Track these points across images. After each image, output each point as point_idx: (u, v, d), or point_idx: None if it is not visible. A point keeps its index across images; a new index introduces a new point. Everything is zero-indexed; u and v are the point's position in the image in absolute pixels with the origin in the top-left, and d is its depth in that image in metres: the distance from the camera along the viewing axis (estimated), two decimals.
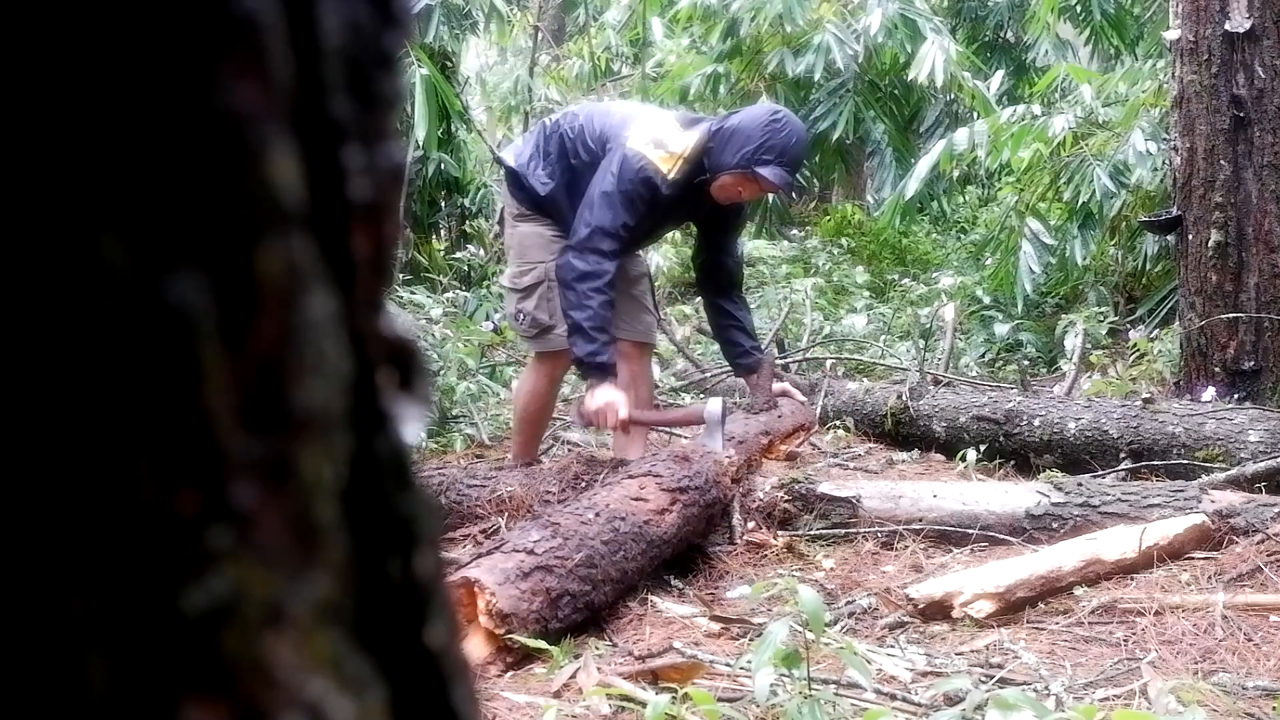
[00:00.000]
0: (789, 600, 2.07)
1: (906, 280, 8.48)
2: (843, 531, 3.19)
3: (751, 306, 7.27)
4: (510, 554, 2.40)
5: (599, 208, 3.37)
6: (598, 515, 2.65)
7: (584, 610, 2.44)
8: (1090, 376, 5.38)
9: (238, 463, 0.28)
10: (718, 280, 3.86)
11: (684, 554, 2.99)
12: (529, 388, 3.75)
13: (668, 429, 4.42)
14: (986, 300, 7.26)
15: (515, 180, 3.62)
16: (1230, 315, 4.47)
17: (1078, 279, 7.15)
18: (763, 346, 4.14)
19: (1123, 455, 3.82)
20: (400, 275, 6.58)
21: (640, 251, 3.99)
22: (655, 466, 3.02)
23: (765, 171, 3.41)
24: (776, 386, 3.95)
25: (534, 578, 2.35)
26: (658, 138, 3.47)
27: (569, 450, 4.46)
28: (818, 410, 4.54)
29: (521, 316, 3.63)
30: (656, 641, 2.44)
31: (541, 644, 2.21)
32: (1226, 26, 4.45)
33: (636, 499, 2.82)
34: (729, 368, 5.65)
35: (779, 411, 3.87)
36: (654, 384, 4.51)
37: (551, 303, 3.57)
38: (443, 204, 8.20)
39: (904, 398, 4.46)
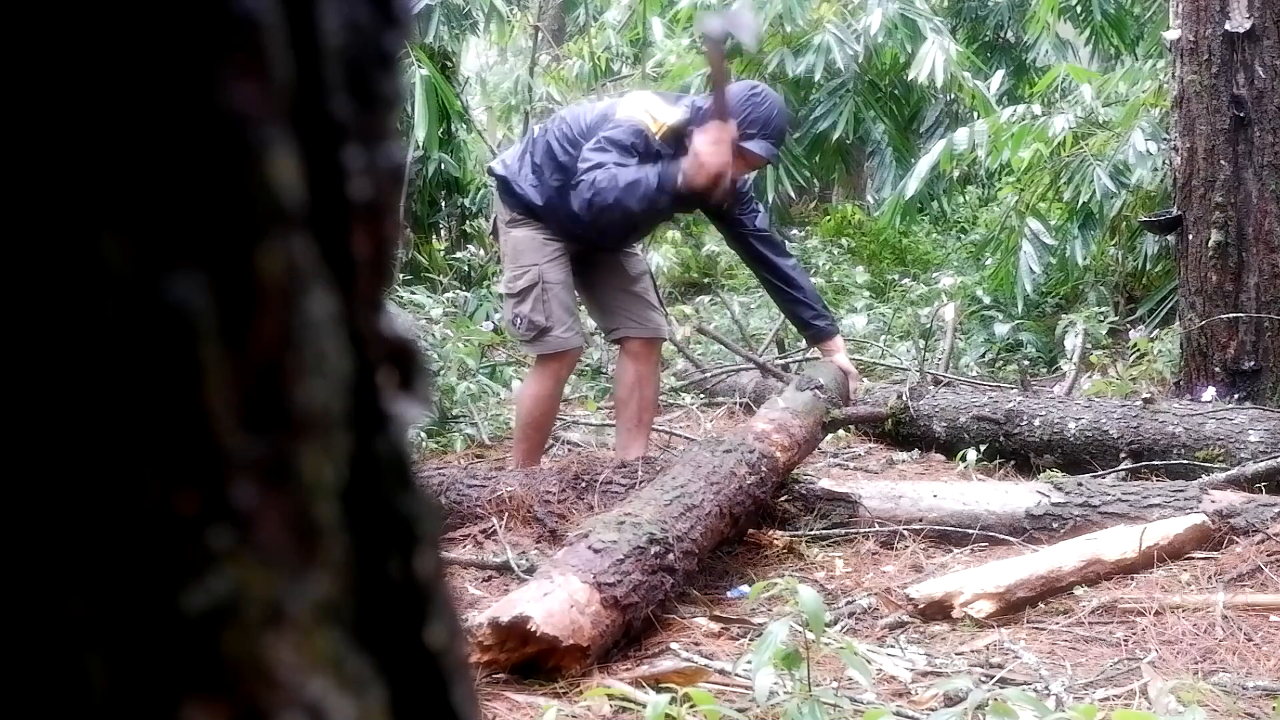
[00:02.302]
0: (789, 600, 2.07)
1: (906, 280, 8.47)
2: (843, 531, 3.19)
3: (752, 307, 7.32)
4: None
5: (593, 153, 3.40)
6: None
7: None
8: (1090, 376, 5.38)
9: (238, 463, 0.28)
10: (756, 252, 3.84)
11: None
12: (533, 391, 3.72)
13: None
14: (986, 300, 7.26)
15: (506, 187, 3.65)
16: (1230, 315, 4.46)
17: (1078, 279, 7.14)
18: (831, 317, 4.11)
19: (1123, 455, 3.82)
20: (400, 275, 6.58)
21: (639, 250, 3.99)
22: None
23: (751, 146, 3.43)
24: (838, 359, 3.91)
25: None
26: (646, 107, 3.54)
27: (569, 450, 4.46)
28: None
29: (519, 320, 3.62)
30: (656, 641, 2.44)
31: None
32: (1226, 26, 4.44)
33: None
34: (729, 367, 5.69)
35: (853, 408, 3.88)
36: (659, 385, 4.51)
37: (547, 304, 3.58)
38: (443, 204, 8.20)
39: (904, 398, 4.46)
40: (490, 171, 3.89)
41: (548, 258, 3.59)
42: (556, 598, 2.25)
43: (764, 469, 3.07)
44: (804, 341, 4.68)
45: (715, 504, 2.81)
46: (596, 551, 2.42)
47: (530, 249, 3.61)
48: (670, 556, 2.53)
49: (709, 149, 3.30)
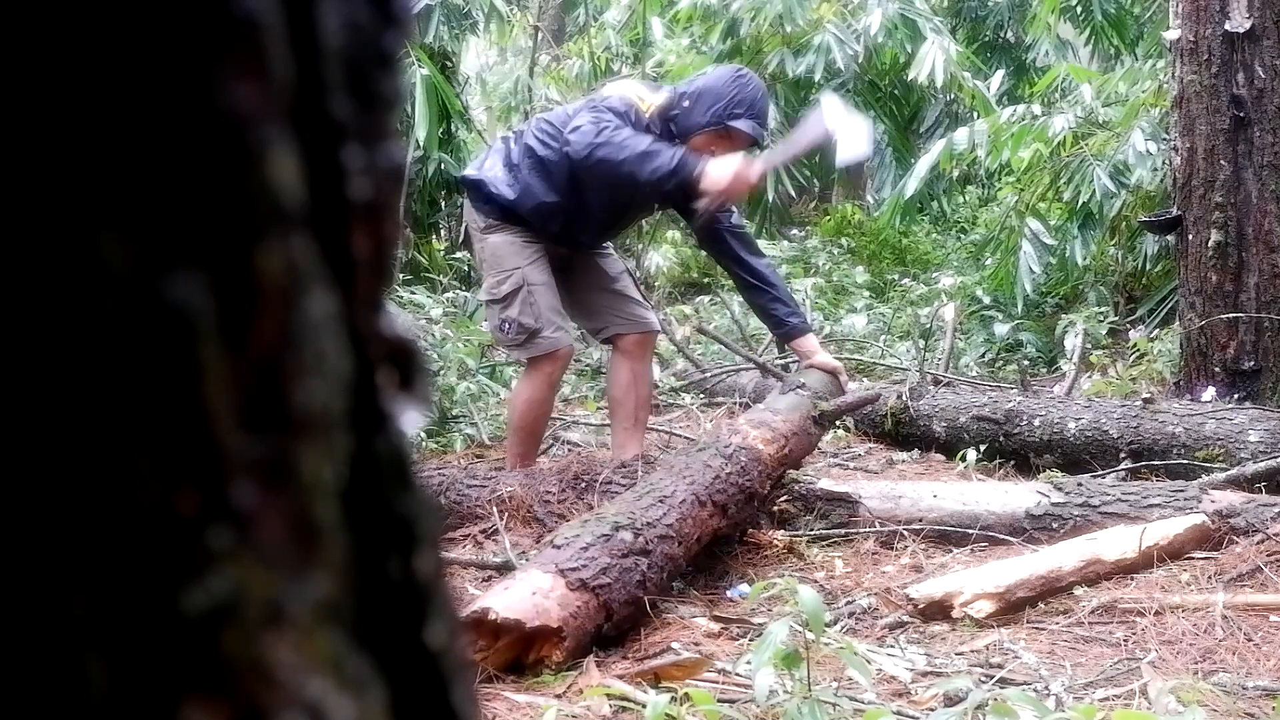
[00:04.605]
0: (789, 600, 2.07)
1: (906, 280, 8.48)
2: (843, 531, 3.19)
3: None
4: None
5: (588, 112, 3.40)
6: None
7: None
8: (1090, 376, 5.38)
9: (238, 463, 0.28)
10: (728, 248, 3.80)
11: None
12: (527, 395, 3.69)
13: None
14: (986, 300, 7.26)
15: (479, 192, 3.61)
16: (1230, 315, 4.46)
17: (1078, 279, 7.15)
18: (805, 315, 4.06)
19: (1123, 455, 3.82)
20: (400, 275, 6.57)
21: (613, 250, 3.96)
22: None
23: (739, 125, 3.44)
24: (820, 360, 3.86)
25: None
26: (632, 89, 3.58)
27: (569, 450, 4.47)
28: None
29: (507, 325, 3.58)
30: (656, 641, 2.44)
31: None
32: (1226, 26, 4.45)
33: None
34: (730, 367, 5.68)
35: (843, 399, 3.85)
36: (654, 383, 4.51)
37: (534, 306, 3.56)
38: (443, 204, 8.19)
39: (904, 398, 4.45)
40: (462, 179, 3.86)
41: (528, 259, 3.57)
42: (517, 590, 2.28)
43: (744, 458, 3.06)
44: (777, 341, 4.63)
45: (690, 492, 2.81)
46: (559, 547, 2.46)
47: (510, 253, 3.58)
48: (641, 540, 2.54)
49: (739, 177, 3.31)
